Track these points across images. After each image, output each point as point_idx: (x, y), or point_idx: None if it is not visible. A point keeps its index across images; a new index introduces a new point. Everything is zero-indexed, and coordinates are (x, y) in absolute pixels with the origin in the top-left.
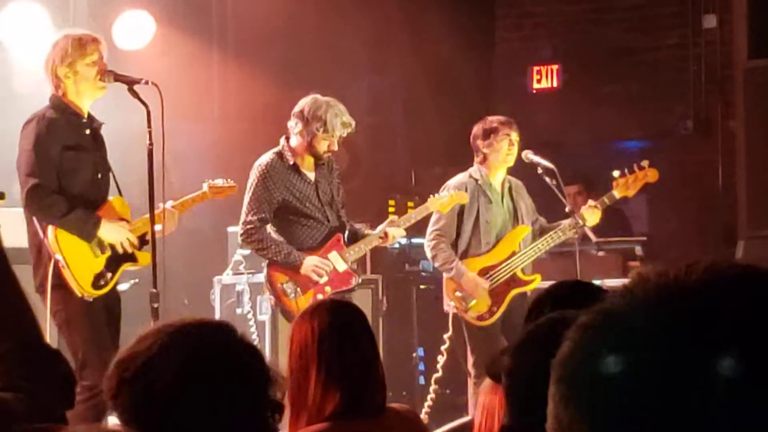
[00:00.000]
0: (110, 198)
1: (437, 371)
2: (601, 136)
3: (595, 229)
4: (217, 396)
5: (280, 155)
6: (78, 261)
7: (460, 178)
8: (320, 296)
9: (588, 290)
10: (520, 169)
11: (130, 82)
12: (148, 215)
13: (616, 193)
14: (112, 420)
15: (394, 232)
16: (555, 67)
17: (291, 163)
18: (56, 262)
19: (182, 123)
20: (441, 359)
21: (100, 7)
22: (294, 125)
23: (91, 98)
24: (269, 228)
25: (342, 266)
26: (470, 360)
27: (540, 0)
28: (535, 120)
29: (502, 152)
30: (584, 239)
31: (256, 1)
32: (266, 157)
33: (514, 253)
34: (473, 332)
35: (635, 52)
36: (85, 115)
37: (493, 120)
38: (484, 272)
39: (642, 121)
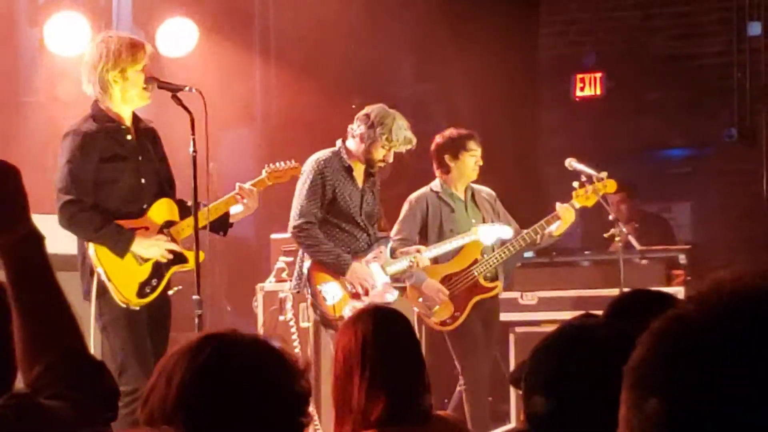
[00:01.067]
0: (156, 201)
1: None
2: (645, 145)
3: (639, 238)
4: (237, 406)
5: (337, 154)
6: (120, 272)
7: (420, 191)
8: (357, 303)
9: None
10: (566, 176)
11: (174, 90)
12: (204, 209)
13: (576, 204)
14: None
15: (420, 260)
16: (598, 75)
17: (347, 164)
18: (98, 276)
19: (224, 129)
20: None
21: (144, 15)
22: (356, 127)
23: (134, 106)
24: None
25: (384, 278)
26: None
27: (585, 7)
28: (578, 128)
29: (468, 168)
30: (628, 247)
31: (298, 8)
32: (324, 153)
33: (476, 261)
34: (450, 338)
35: (679, 59)
36: (126, 122)
37: (461, 133)
38: (447, 279)
39: (686, 129)
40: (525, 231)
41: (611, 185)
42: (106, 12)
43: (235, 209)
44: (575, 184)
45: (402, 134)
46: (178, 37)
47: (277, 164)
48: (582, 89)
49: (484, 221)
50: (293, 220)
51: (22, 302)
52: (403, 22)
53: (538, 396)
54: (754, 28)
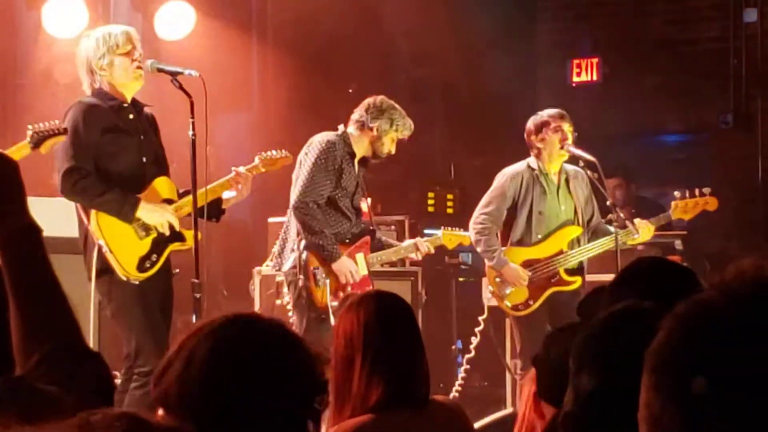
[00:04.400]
0: (156, 179)
1: (471, 352)
2: (641, 130)
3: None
4: (258, 389)
5: (342, 139)
6: (121, 245)
7: (517, 166)
8: (341, 293)
9: (679, 273)
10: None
11: (174, 73)
12: (202, 190)
13: (672, 215)
14: None
15: (423, 247)
16: (595, 60)
17: (351, 150)
18: (99, 248)
19: (221, 112)
20: (474, 341)
21: None
22: (364, 117)
23: (130, 90)
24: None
25: (364, 270)
26: (510, 351)
27: None
28: (575, 113)
29: (555, 145)
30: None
31: None
32: (330, 135)
33: (561, 252)
34: (518, 322)
35: (675, 45)
36: (128, 100)
37: (544, 114)
38: (527, 264)
39: (682, 114)
40: (616, 232)
41: (713, 203)
42: None
43: (228, 194)
44: (677, 194)
45: (407, 123)
46: (175, 20)
47: (270, 152)
48: (578, 74)
49: (576, 210)
50: (299, 195)
51: (19, 293)
52: (401, 6)
53: (585, 375)
54: (750, 15)
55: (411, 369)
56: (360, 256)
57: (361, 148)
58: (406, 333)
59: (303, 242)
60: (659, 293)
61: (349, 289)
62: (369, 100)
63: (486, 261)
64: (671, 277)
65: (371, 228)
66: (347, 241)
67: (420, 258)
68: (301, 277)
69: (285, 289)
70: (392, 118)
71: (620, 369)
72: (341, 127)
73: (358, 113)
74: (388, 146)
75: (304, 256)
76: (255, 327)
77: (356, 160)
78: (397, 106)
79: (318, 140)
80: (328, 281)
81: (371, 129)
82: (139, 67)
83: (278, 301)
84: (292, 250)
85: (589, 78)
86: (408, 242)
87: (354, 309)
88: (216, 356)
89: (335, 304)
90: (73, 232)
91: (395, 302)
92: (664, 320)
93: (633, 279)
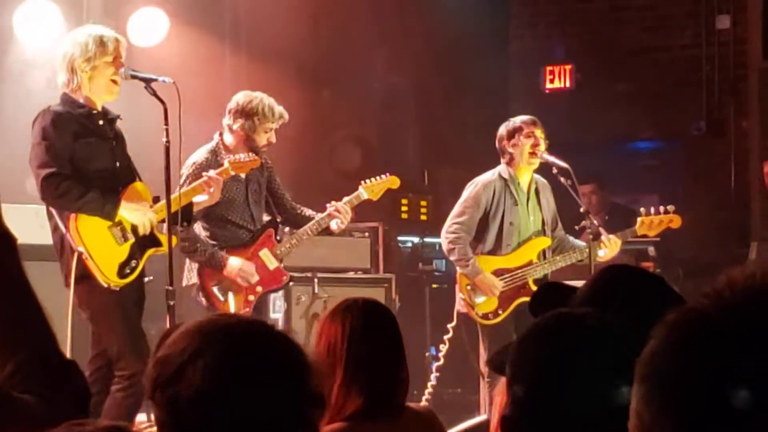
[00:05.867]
0: (131, 184)
1: (439, 360)
2: (614, 136)
3: (609, 230)
4: (254, 398)
5: (214, 153)
6: (101, 251)
7: (488, 176)
8: (251, 297)
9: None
10: (536, 170)
11: (148, 80)
12: (175, 194)
13: (637, 231)
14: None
15: (341, 209)
16: (568, 67)
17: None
18: (79, 255)
19: (194, 119)
20: (443, 348)
21: (115, 4)
22: (231, 121)
23: (101, 98)
24: (198, 227)
25: (273, 264)
26: (483, 358)
27: None
28: (548, 120)
29: (527, 151)
30: (597, 239)
31: None
32: (200, 155)
33: (530, 262)
34: (485, 330)
35: (648, 52)
36: (98, 108)
37: (517, 120)
38: (498, 273)
39: (655, 121)
40: (585, 245)
41: (677, 220)
42: (77, 1)
43: (199, 198)
44: (642, 210)
45: (277, 110)
46: (149, 27)
47: (239, 156)
48: (552, 81)
49: (543, 220)
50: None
51: None
52: (375, 14)
53: (519, 385)
54: (723, 21)
55: (392, 380)
56: (264, 252)
57: (239, 151)
58: (390, 343)
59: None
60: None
61: (259, 289)
62: (231, 103)
63: (459, 269)
64: (642, 285)
65: (271, 220)
66: (246, 244)
67: (343, 226)
68: (203, 299)
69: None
70: (256, 109)
71: (550, 375)
72: (216, 136)
73: (226, 119)
74: (263, 139)
75: (196, 276)
76: (266, 338)
77: None
78: (260, 96)
79: (187, 164)
80: (231, 293)
81: (240, 129)
82: (115, 82)
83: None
84: (190, 269)
85: (562, 85)
86: (321, 215)
87: (339, 316)
88: (234, 369)
89: (246, 310)
90: (48, 239)
91: (382, 312)
92: (655, 329)
93: (604, 288)
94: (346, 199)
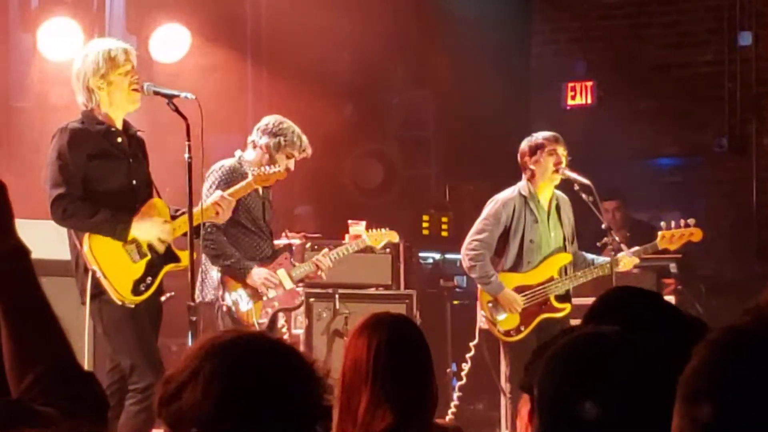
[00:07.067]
0: (148, 201)
1: (462, 379)
2: (636, 153)
3: (630, 246)
4: (261, 412)
5: (239, 164)
6: (115, 269)
7: (508, 193)
8: (269, 310)
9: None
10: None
11: (170, 96)
12: (197, 209)
13: (658, 245)
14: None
15: (323, 262)
16: (589, 83)
17: (246, 173)
18: (93, 273)
19: (216, 134)
20: (466, 367)
21: (137, 21)
22: (258, 137)
23: (124, 110)
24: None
25: (289, 284)
26: (503, 374)
27: (575, 16)
28: (570, 136)
29: (548, 168)
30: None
31: (290, 13)
32: (228, 162)
33: (552, 279)
34: (508, 347)
35: (670, 68)
36: (117, 125)
37: (539, 136)
38: (519, 290)
39: (677, 138)
40: (606, 260)
41: (697, 234)
42: (98, 18)
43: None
44: (662, 224)
45: (303, 139)
46: (170, 43)
47: (263, 168)
48: (573, 98)
49: (564, 239)
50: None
51: (9, 316)
52: (396, 29)
53: (547, 405)
54: (745, 38)
55: (420, 398)
56: (282, 272)
57: (258, 168)
58: (418, 360)
59: (213, 272)
60: (632, 322)
61: (276, 304)
62: (261, 122)
63: (480, 286)
64: (644, 305)
65: (288, 244)
66: (266, 259)
67: (322, 275)
68: (224, 303)
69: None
70: (285, 133)
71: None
72: (238, 152)
73: (252, 135)
74: (283, 163)
75: (218, 280)
76: (267, 350)
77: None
78: (291, 124)
79: (214, 168)
80: (251, 302)
81: (263, 148)
82: (136, 90)
83: None
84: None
85: (583, 101)
86: (315, 257)
87: (366, 333)
88: (235, 381)
89: (264, 321)
90: (65, 254)
91: (409, 328)
92: (697, 348)
93: (606, 310)
94: (340, 248)
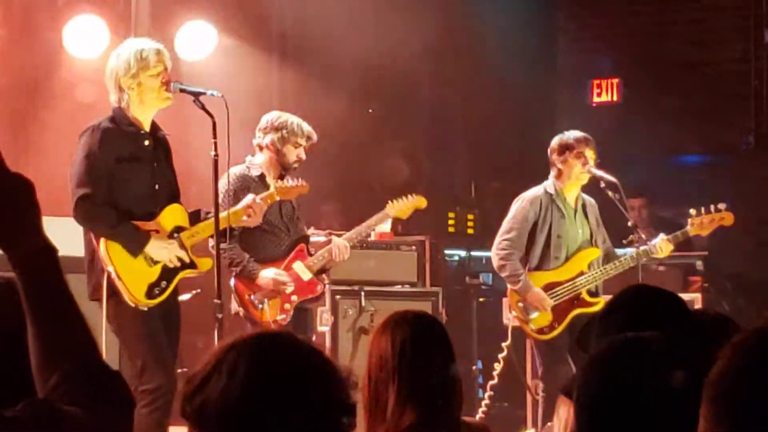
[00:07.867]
0: (168, 206)
1: (494, 379)
2: (662, 151)
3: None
4: (285, 401)
5: (248, 169)
6: (130, 272)
7: (535, 191)
8: (287, 305)
9: (665, 300)
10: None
11: (196, 94)
12: (224, 213)
13: (690, 231)
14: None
15: (338, 242)
16: (615, 80)
17: (258, 174)
18: (108, 274)
19: (241, 132)
20: (498, 367)
21: (163, 18)
22: (261, 138)
23: (154, 108)
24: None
25: (307, 275)
26: (529, 372)
27: (600, 13)
28: (596, 133)
29: (576, 169)
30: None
31: (317, 10)
32: (236, 170)
33: (581, 273)
34: (540, 345)
35: (696, 65)
36: (145, 127)
37: (570, 136)
38: (549, 287)
39: (703, 135)
40: (636, 251)
41: (729, 218)
42: (124, 15)
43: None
44: (692, 211)
45: (304, 127)
46: (196, 41)
47: (286, 181)
48: (599, 95)
49: (591, 235)
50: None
51: (37, 315)
52: (421, 27)
53: (587, 410)
54: None
55: (446, 393)
56: (298, 264)
57: (268, 167)
58: (442, 356)
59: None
60: (646, 320)
61: (294, 298)
62: (261, 122)
63: (510, 286)
64: (658, 303)
65: (303, 235)
66: (280, 256)
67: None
68: (241, 309)
69: None
70: (285, 126)
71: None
72: (248, 158)
73: (256, 138)
74: (293, 156)
75: (232, 286)
76: (291, 345)
77: (271, 180)
78: (288, 115)
79: (226, 174)
80: (266, 301)
81: (269, 147)
82: (167, 90)
83: None
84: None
85: (609, 98)
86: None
87: (389, 331)
88: (259, 372)
89: (283, 316)
90: (78, 251)
91: (431, 324)
92: (722, 350)
93: (621, 307)
94: (369, 221)
